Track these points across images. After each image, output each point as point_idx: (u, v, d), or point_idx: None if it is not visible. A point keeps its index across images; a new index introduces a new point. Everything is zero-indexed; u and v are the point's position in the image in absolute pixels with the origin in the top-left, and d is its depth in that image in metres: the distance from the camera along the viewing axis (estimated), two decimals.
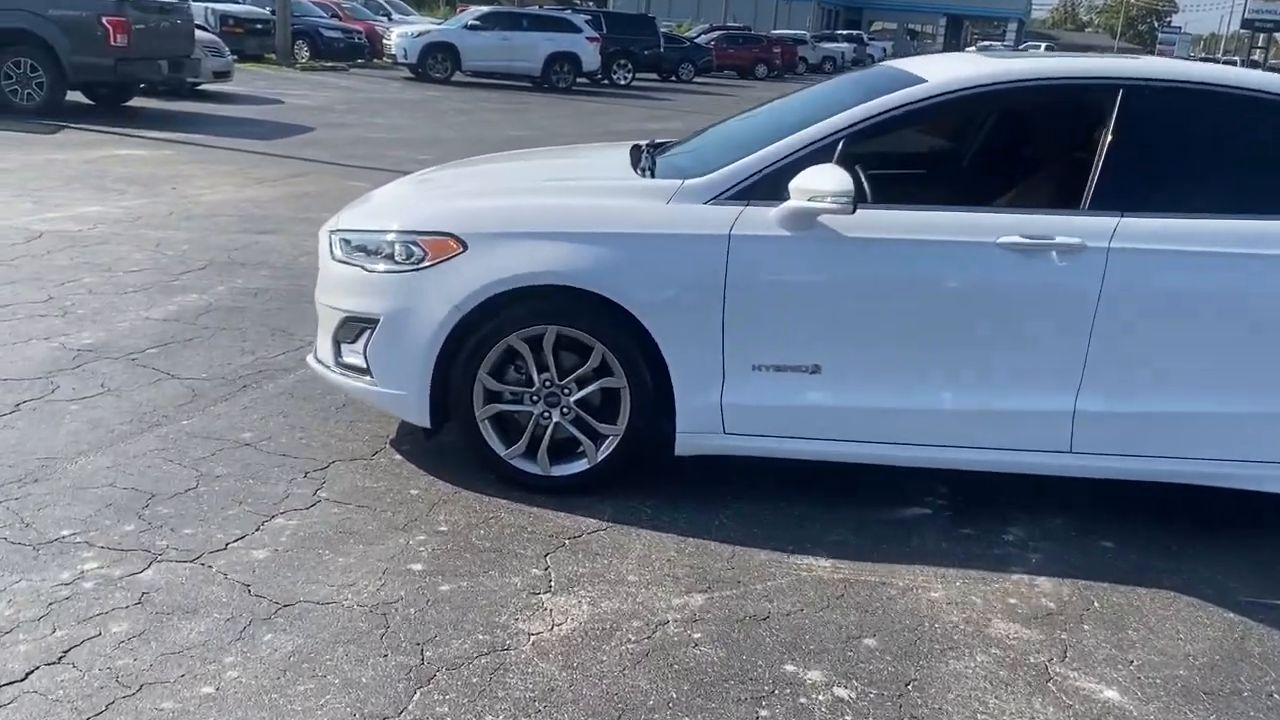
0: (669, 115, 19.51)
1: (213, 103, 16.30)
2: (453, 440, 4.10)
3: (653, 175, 4.20)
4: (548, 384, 3.90)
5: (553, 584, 3.37)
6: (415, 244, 3.88)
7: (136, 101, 15.36)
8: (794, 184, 3.66)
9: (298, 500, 3.82)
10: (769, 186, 3.78)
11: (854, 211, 3.57)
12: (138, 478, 3.91)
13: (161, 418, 4.47)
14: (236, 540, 3.51)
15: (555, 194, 4.05)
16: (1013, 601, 3.45)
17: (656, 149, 4.74)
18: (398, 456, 4.24)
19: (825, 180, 3.59)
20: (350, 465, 4.13)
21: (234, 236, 7.86)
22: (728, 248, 3.72)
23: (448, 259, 3.82)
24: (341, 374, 4.09)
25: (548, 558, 3.53)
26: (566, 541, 3.65)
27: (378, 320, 3.91)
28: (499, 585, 3.34)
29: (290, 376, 5.02)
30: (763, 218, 3.74)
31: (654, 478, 4.14)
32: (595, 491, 3.99)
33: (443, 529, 3.68)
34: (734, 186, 3.81)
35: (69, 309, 5.86)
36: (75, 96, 14.33)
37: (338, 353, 4.12)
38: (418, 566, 3.42)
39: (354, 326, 4.02)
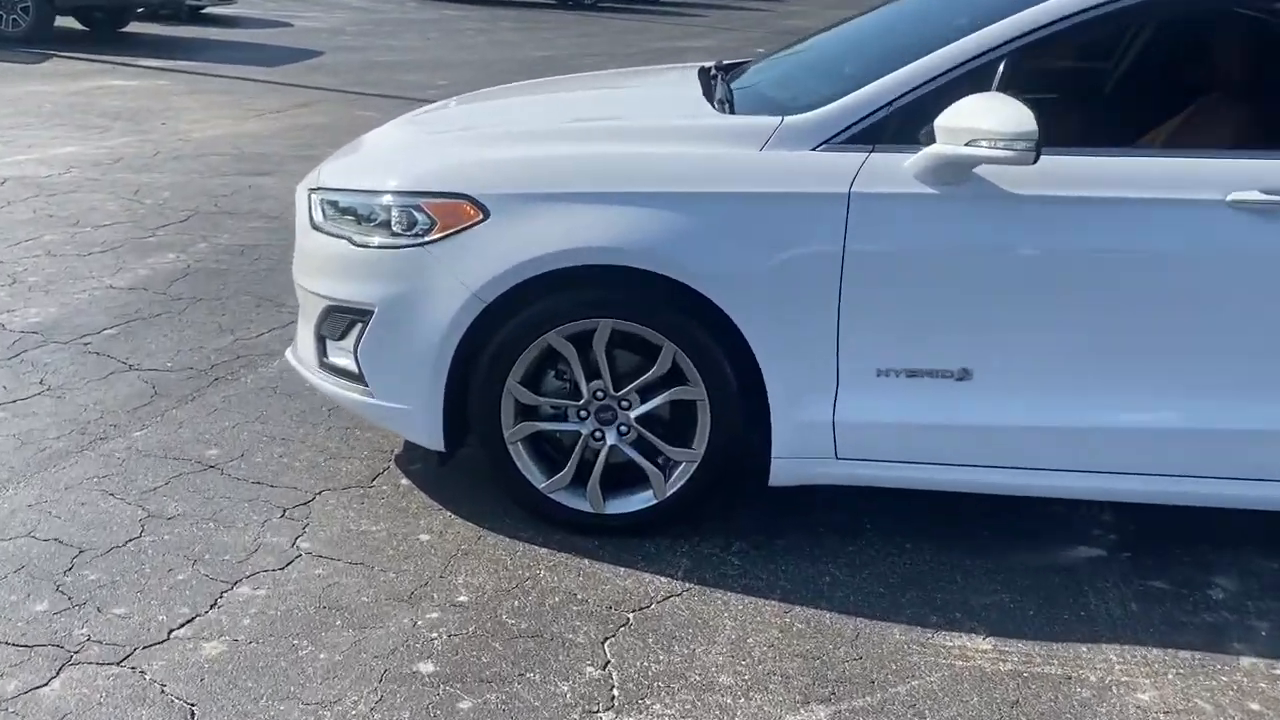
0: (706, 31, 18.17)
1: (216, 27, 15.16)
2: (475, 456, 3.12)
3: (732, 110, 3.14)
4: (600, 395, 2.91)
5: (616, 693, 2.42)
6: (419, 209, 2.87)
7: (134, 27, 14.24)
8: (942, 121, 2.61)
9: (271, 555, 2.88)
10: (903, 125, 2.73)
11: (1036, 159, 2.51)
12: (65, 523, 2.98)
13: (109, 428, 3.53)
14: (183, 625, 2.58)
15: (607, 139, 3.00)
16: (1255, 708, 2.47)
17: (727, 73, 3.67)
18: (404, 482, 3.28)
19: (991, 115, 2.53)
20: (342, 497, 3.18)
21: (225, 179, 6.86)
22: (847, 211, 2.69)
23: (463, 229, 2.82)
24: (327, 379, 3.12)
25: (607, 645, 2.58)
26: (630, 617, 2.69)
27: (372, 311, 2.92)
28: (541, 698, 2.39)
29: (274, 364, 4.07)
30: (895, 169, 2.70)
31: (732, 509, 3.17)
32: (663, 533, 3.02)
33: (462, 598, 2.73)
34: (853, 125, 2.76)
35: (19, 276, 4.91)
36: (67, 23, 13.25)
37: (322, 351, 3.15)
38: (428, 668, 2.47)
39: (341, 319, 3.03)
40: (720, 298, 2.74)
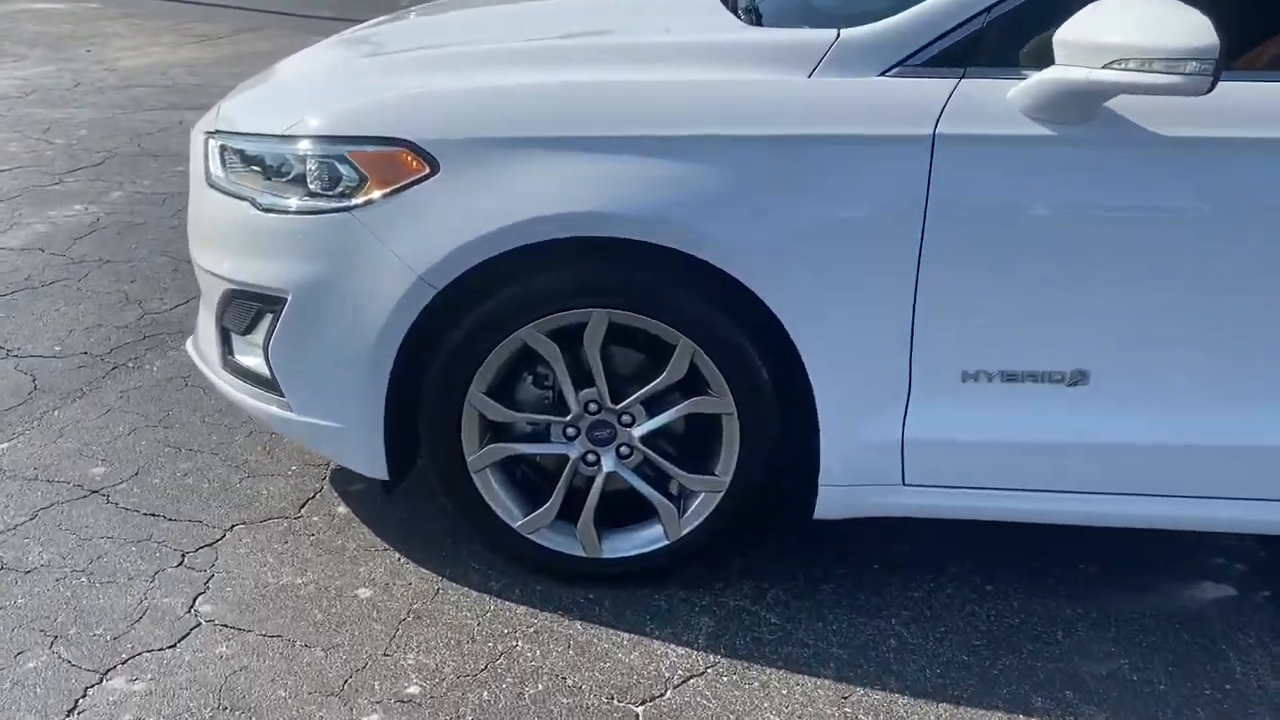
0: None
1: None
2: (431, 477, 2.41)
3: (761, 21, 2.38)
4: (593, 408, 2.19)
5: None
6: (344, 160, 2.11)
7: None
8: (1067, 34, 1.86)
9: (160, 625, 2.17)
10: (1006, 41, 1.99)
11: (1212, 87, 1.77)
12: None
13: None
14: None
15: (599, 63, 2.22)
16: None
17: None
18: (341, 510, 2.57)
19: (1144, 24, 1.79)
20: (260, 533, 2.46)
21: (152, 115, 6.02)
22: (930, 160, 1.95)
23: (403, 188, 2.07)
24: (234, 384, 2.38)
25: None
26: (639, 712, 2.01)
27: (284, 299, 2.18)
28: None
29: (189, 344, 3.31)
30: (995, 102, 1.96)
31: (759, 540, 2.49)
32: (676, 580, 2.34)
33: (412, 689, 2.03)
34: (936, 42, 2.00)
35: None
36: None
37: (226, 348, 2.41)
38: None
39: (246, 308, 2.29)
40: (755, 280, 2.01)
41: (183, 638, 2.13)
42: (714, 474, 2.21)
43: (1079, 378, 2.07)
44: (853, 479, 2.19)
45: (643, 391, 2.15)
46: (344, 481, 2.65)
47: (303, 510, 2.55)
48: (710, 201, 1.99)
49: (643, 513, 2.28)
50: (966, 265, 2.00)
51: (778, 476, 2.24)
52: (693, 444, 2.26)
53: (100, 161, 5.15)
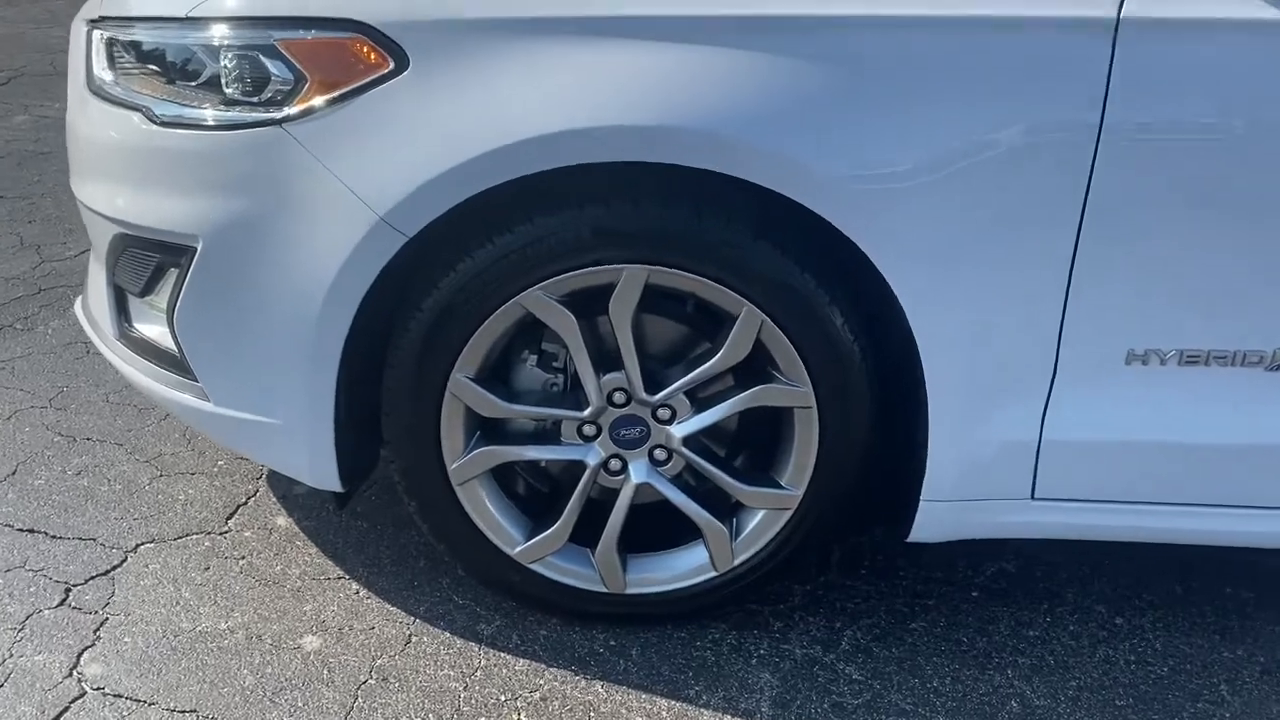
0: None
1: None
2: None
3: None
4: (620, 399, 1.61)
5: None
6: (275, 51, 1.49)
7: None
8: None
9: (25, 698, 1.58)
10: None
11: None
12: None
13: None
14: None
15: None
16: None
17: None
18: (280, 522, 1.98)
19: None
20: (173, 556, 1.87)
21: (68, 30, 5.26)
22: (1111, 56, 1.37)
23: (358, 91, 1.46)
24: (133, 362, 1.77)
25: None
26: None
27: (193, 248, 1.57)
28: None
29: (77, 305, 2.68)
30: None
31: (817, 562, 1.94)
32: (725, 619, 1.78)
33: None
34: None
35: None
36: None
37: (122, 313, 1.79)
38: None
39: (143, 259, 1.68)
40: (856, 226, 1.44)
41: (58, 717, 1.55)
42: (781, 486, 1.65)
43: None
44: (966, 491, 1.64)
45: (691, 376, 1.57)
46: (285, 483, 2.06)
47: (230, 523, 1.96)
48: (795, 115, 1.40)
49: (681, 533, 1.72)
50: (1150, 205, 1.43)
51: (865, 489, 1.69)
52: (748, 447, 1.70)
53: (5, 81, 4.43)
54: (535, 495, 1.74)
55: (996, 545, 1.99)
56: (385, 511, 1.97)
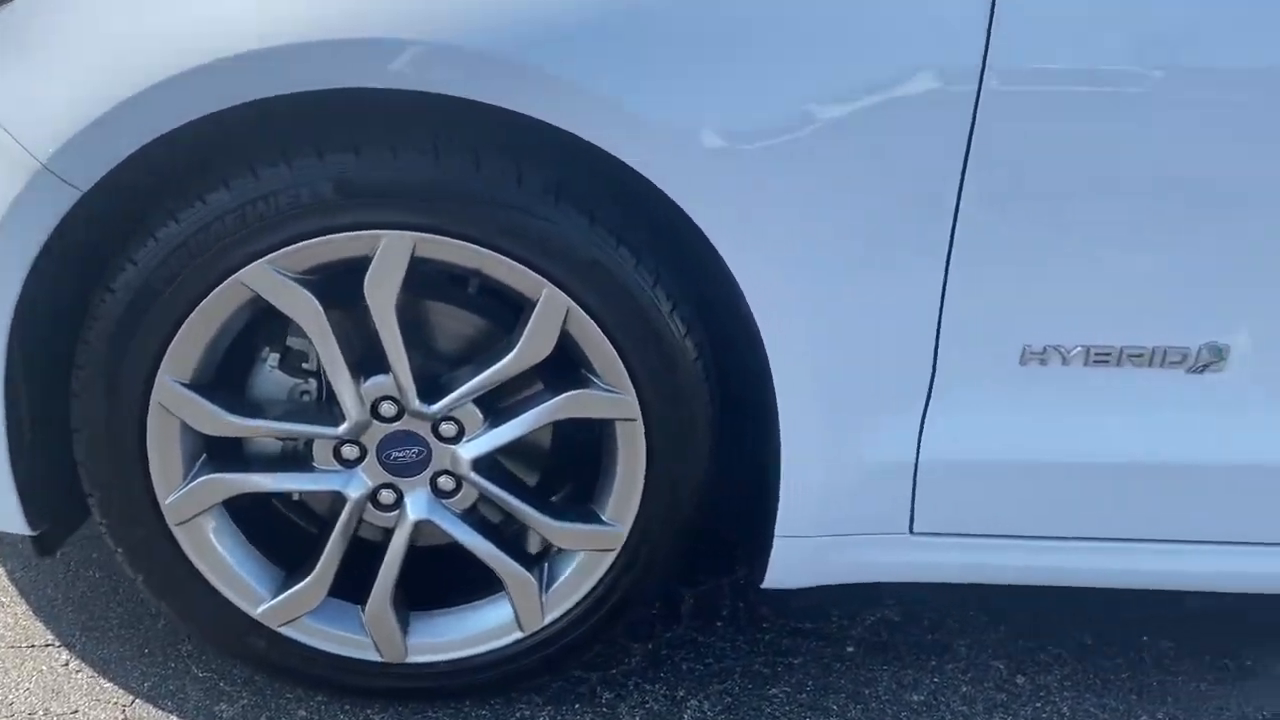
0: None
1: None
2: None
3: None
4: (389, 411, 1.24)
5: None
6: None
7: None
8: None
9: None
10: None
11: None
12: None
13: None
14: None
15: None
16: None
17: None
18: None
19: None
20: None
21: None
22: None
23: None
24: None
25: None
26: None
27: None
28: None
29: None
30: None
31: (661, 610, 1.60)
32: (537, 697, 1.41)
33: None
34: None
35: None
36: None
37: None
38: None
39: None
40: (685, 187, 1.11)
41: None
42: (601, 521, 1.30)
43: (1211, 357, 1.23)
44: (830, 525, 1.32)
45: (477, 380, 1.21)
46: None
47: None
48: (621, 36, 1.07)
49: (481, 584, 1.36)
50: (1044, 174, 1.13)
51: (710, 523, 1.35)
52: (562, 472, 1.35)
53: None
54: (284, 537, 1.35)
55: (878, 589, 1.66)
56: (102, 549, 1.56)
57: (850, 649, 1.57)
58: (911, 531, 1.33)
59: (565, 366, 1.23)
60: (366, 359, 1.21)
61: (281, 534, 1.37)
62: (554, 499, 1.37)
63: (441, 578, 1.38)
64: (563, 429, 1.32)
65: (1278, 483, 1.27)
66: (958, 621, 1.63)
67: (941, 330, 1.21)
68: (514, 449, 1.31)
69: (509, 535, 1.34)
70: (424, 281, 1.20)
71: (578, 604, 1.33)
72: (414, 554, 1.32)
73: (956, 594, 1.66)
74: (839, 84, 1.09)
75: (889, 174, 1.12)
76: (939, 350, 1.22)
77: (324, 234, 1.12)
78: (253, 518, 1.33)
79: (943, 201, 1.13)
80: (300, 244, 1.13)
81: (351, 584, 1.31)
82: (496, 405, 1.26)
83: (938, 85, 1.09)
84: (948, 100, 1.09)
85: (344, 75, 1.04)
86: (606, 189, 1.14)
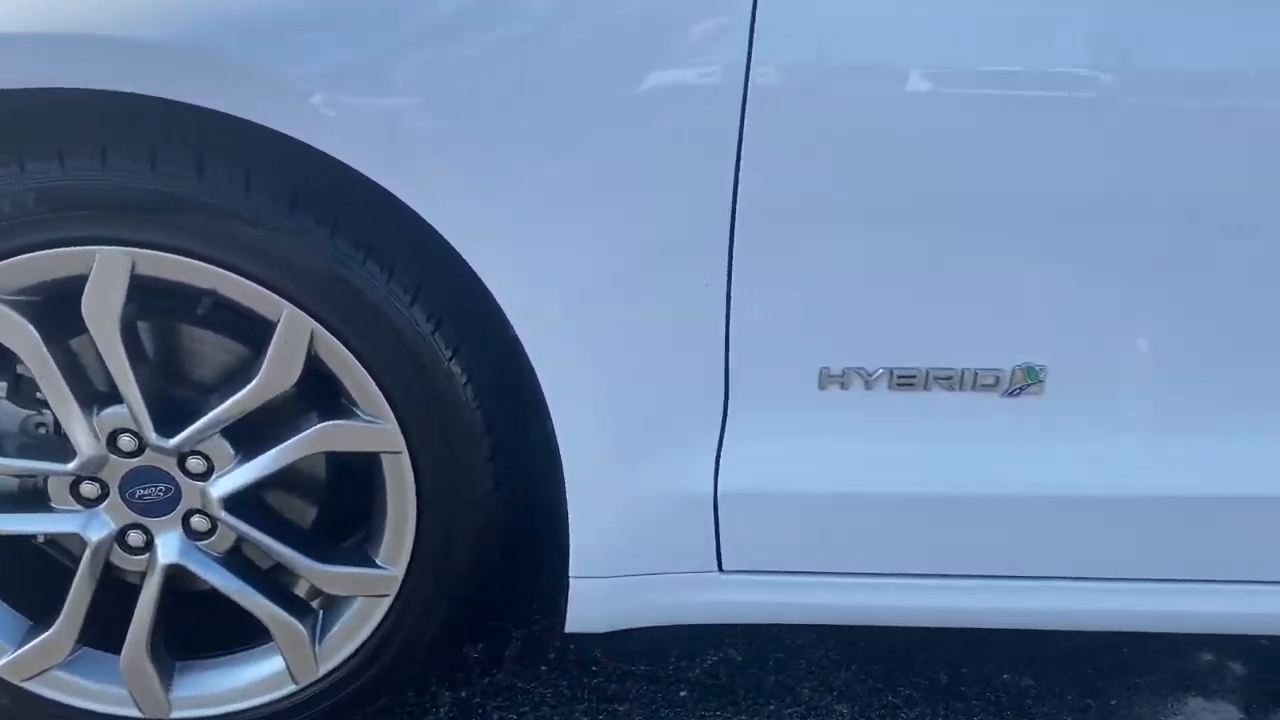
0: None
1: None
2: None
3: None
4: (130, 446, 1.13)
5: None
6: None
7: None
8: None
9: None
10: None
11: None
12: None
13: None
14: None
15: None
16: None
17: None
18: None
19: None
20: None
21: None
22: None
23: None
24: None
25: None
26: None
27: None
28: None
29: None
30: None
31: (469, 654, 1.49)
32: None
33: None
34: None
35: None
36: None
37: None
38: None
39: None
40: (427, 195, 1.00)
41: None
42: (375, 564, 1.19)
43: (1027, 380, 1.14)
44: (630, 564, 1.21)
45: (216, 413, 1.10)
46: None
47: None
48: (335, 21, 0.97)
49: (247, 630, 1.24)
50: (823, 179, 1.04)
51: (497, 562, 1.24)
52: (337, 508, 1.24)
53: None
54: (25, 583, 1.24)
55: (726, 626, 1.56)
56: None
57: (684, 693, 1.46)
58: (721, 569, 1.23)
59: (320, 393, 1.12)
60: (92, 389, 1.10)
61: (42, 578, 1.25)
62: (347, 543, 1.25)
63: (222, 625, 1.26)
64: (346, 463, 1.21)
65: (1103, 516, 1.17)
66: (806, 660, 1.53)
67: (731, 352, 1.11)
68: (290, 485, 1.20)
69: (282, 580, 1.22)
70: (175, 302, 1.09)
71: (355, 653, 1.22)
72: (190, 598, 1.21)
73: (811, 630, 1.57)
74: (594, 75, 0.99)
75: (656, 176, 1.02)
76: (730, 374, 1.12)
77: (30, 250, 1.01)
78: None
79: (717, 211, 1.04)
80: (4, 262, 1.02)
81: (118, 633, 1.20)
82: (251, 439, 1.15)
83: (701, 80, 0.99)
84: (712, 96, 0.99)
85: (25, 73, 0.94)
86: (352, 196, 1.03)
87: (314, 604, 1.24)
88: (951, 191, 1.06)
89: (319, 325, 1.06)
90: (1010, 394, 1.13)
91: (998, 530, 1.18)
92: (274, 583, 1.21)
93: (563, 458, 1.12)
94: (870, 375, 1.13)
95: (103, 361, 1.08)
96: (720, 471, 1.15)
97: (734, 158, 1.01)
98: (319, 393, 1.13)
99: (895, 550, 1.21)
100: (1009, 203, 1.06)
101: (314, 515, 1.25)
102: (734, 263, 1.06)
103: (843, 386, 1.13)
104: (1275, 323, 1.09)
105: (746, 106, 0.99)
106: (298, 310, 1.05)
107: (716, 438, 1.15)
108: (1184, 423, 1.13)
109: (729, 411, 1.14)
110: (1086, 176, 1.05)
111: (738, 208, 1.03)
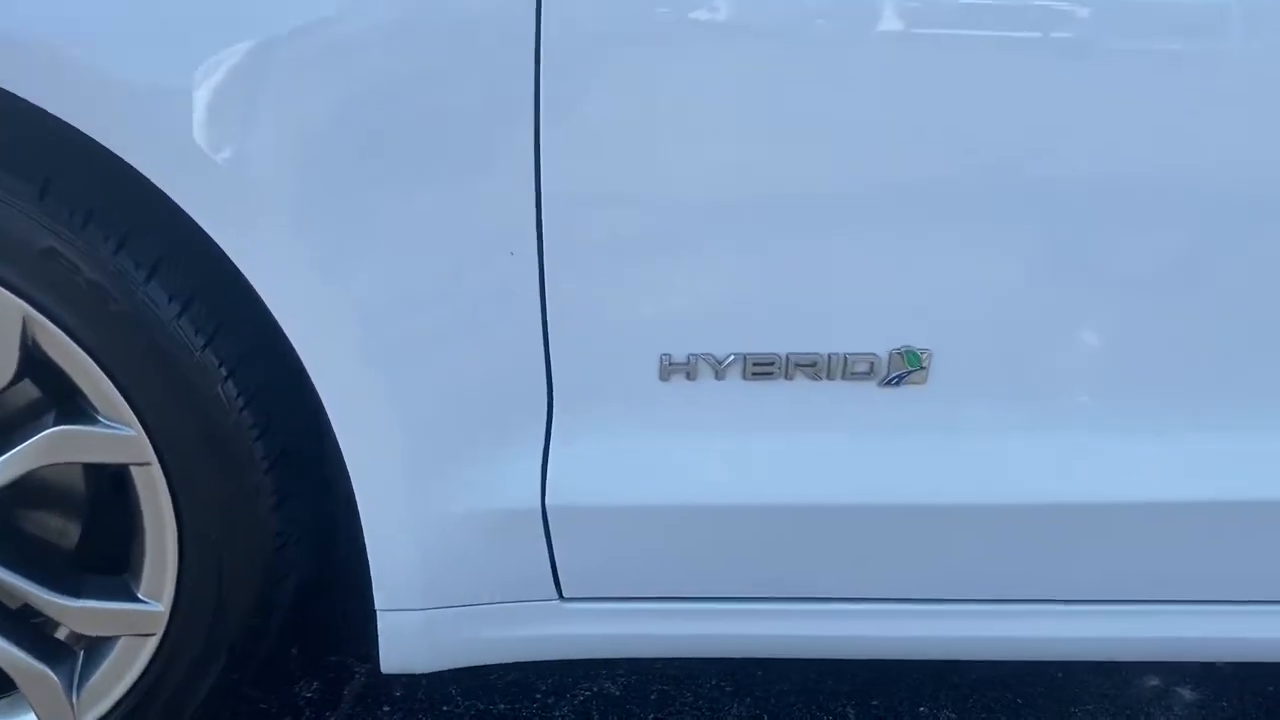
0: None
1: None
2: None
3: None
4: None
5: None
6: None
7: None
8: None
9: None
10: None
11: None
12: None
13: None
14: None
15: None
16: None
17: None
18: None
19: None
20: None
21: None
22: None
23: None
24: None
25: None
26: None
27: None
28: None
29: None
30: None
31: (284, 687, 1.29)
32: None
33: None
34: None
35: None
36: None
37: None
38: None
39: None
40: (165, 166, 0.81)
41: None
42: (136, 598, 0.99)
43: (907, 366, 0.94)
44: (446, 595, 1.01)
45: None
46: None
47: None
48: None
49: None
50: (641, 143, 0.85)
51: (292, 593, 1.04)
52: (109, 536, 1.04)
53: None
54: None
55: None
56: None
57: None
58: (562, 597, 1.03)
59: (48, 392, 0.92)
60: None
61: None
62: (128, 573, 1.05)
63: None
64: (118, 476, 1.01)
65: (1003, 528, 0.98)
66: (693, 693, 1.33)
67: (551, 343, 0.91)
68: (41, 503, 1.00)
69: (36, 620, 1.02)
70: None
71: (121, 702, 1.02)
72: None
73: (701, 660, 1.37)
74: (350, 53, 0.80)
75: (442, 135, 0.83)
76: (552, 369, 0.93)
77: None
78: None
79: (520, 179, 0.84)
80: None
81: None
82: None
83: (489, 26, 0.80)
84: (503, 47, 0.80)
85: None
86: (67, 150, 0.84)
87: (77, 647, 1.03)
88: (796, 149, 0.87)
89: (31, 309, 0.86)
90: (889, 383, 0.94)
91: (880, 544, 0.98)
92: (23, 623, 1.01)
93: (350, 472, 0.92)
94: (720, 363, 0.93)
95: None
96: (548, 483, 0.96)
97: (532, 125, 0.82)
98: (60, 393, 0.93)
99: (766, 570, 1.01)
100: (881, 154, 0.87)
101: (75, 540, 1.05)
102: (544, 236, 0.87)
103: (689, 377, 0.94)
104: (1195, 303, 0.90)
105: (541, 62, 0.80)
106: (8, 293, 0.85)
107: (541, 444, 0.95)
108: (1097, 420, 0.94)
109: (553, 413, 0.94)
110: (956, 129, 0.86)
111: (542, 177, 0.84)
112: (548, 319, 0.90)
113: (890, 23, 0.82)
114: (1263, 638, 1.03)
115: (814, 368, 0.93)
